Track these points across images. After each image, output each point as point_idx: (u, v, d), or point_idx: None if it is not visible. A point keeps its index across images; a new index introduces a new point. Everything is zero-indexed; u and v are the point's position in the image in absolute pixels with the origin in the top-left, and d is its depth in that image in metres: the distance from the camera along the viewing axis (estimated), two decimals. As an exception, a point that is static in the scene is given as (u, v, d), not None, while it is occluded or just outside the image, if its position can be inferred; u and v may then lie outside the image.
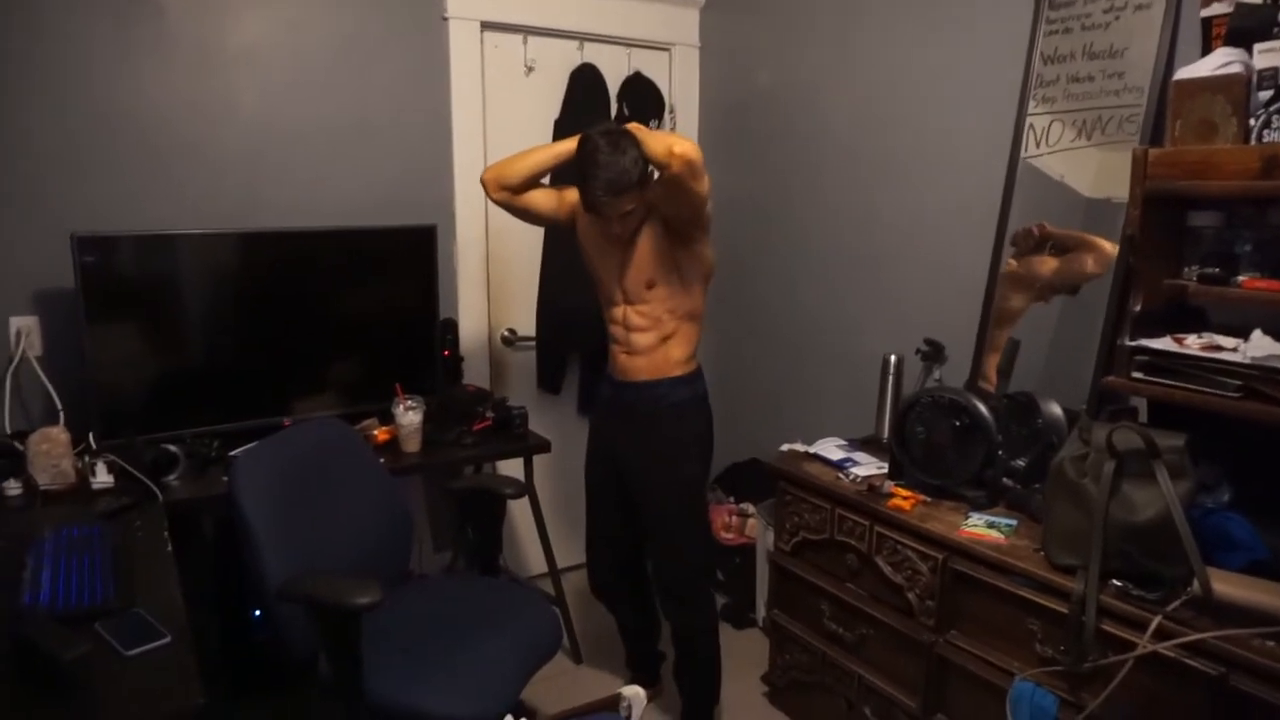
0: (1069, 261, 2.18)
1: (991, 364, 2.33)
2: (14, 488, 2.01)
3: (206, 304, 2.45)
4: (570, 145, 2.19)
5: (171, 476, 2.19)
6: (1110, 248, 2.07)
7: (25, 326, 2.34)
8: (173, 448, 2.22)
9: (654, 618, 2.61)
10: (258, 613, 2.41)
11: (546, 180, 2.33)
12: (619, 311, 2.31)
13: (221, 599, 2.39)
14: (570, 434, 3.25)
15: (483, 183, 2.28)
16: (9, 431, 2.26)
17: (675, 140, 2.06)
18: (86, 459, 2.13)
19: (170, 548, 1.79)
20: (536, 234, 3.15)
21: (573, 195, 2.28)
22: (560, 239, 3.08)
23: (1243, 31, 1.70)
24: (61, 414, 2.31)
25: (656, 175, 2.13)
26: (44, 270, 2.31)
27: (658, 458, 2.29)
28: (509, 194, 2.26)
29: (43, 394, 2.35)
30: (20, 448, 2.09)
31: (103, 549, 1.69)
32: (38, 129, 2.32)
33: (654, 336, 2.27)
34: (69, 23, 2.32)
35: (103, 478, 2.11)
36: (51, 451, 2.07)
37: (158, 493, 2.08)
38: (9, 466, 2.06)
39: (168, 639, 1.39)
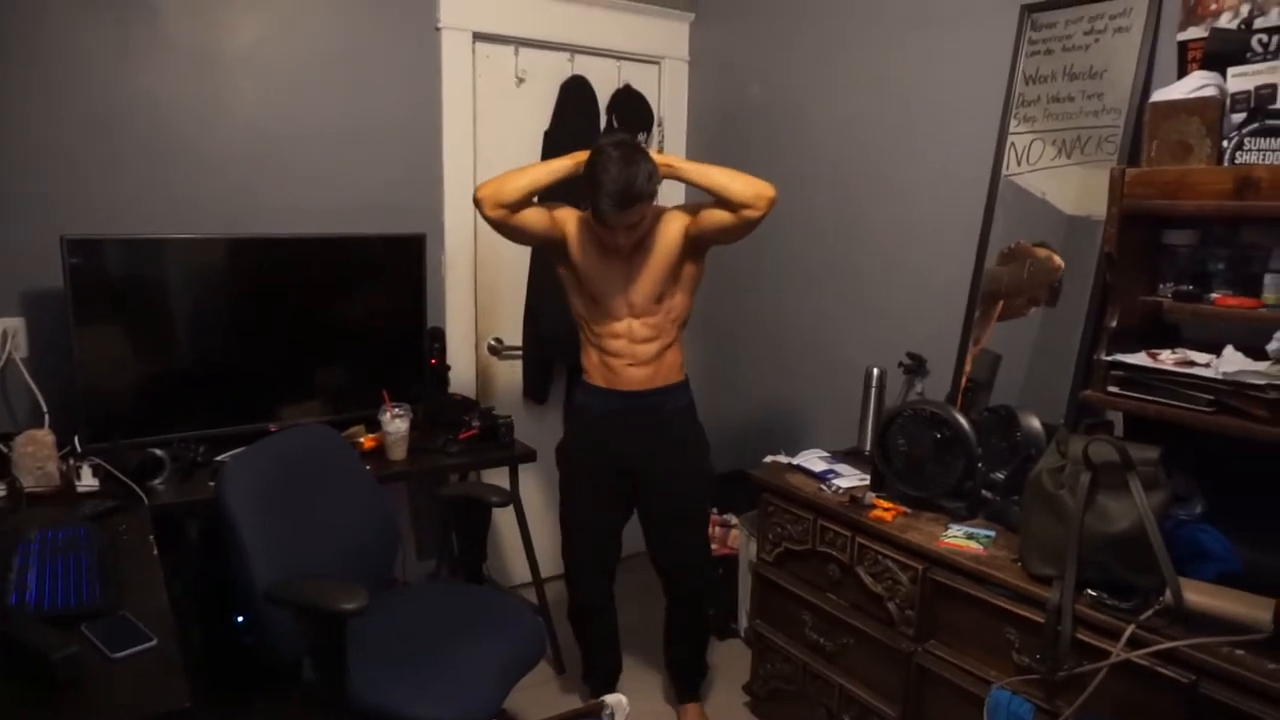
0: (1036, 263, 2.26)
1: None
2: (-2, 490, 2.01)
3: (195, 309, 2.46)
4: (565, 163, 2.20)
5: (157, 480, 2.19)
6: (1045, 254, 2.21)
7: (11, 328, 2.33)
8: (158, 452, 2.23)
9: (616, 624, 2.60)
10: (241, 618, 2.40)
11: (535, 199, 2.25)
12: (622, 325, 2.29)
13: (205, 603, 2.38)
14: (556, 444, 3.25)
15: (477, 200, 2.17)
16: (-7, 433, 2.26)
17: (764, 185, 2.11)
18: (72, 462, 2.13)
19: (156, 551, 1.79)
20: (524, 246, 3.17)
21: (563, 214, 2.28)
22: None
23: (1217, 56, 1.76)
24: (47, 416, 2.30)
25: (720, 206, 2.16)
26: (31, 271, 2.31)
27: (681, 458, 2.39)
28: (505, 212, 2.16)
29: (28, 396, 2.34)
30: (5, 450, 2.09)
31: (89, 551, 1.68)
32: (29, 128, 2.32)
33: (658, 346, 2.30)
34: (64, 23, 2.33)
35: (88, 481, 2.10)
36: (37, 454, 2.07)
37: (143, 496, 2.08)
38: (-7, 469, 2.06)
39: (154, 642, 1.39)
